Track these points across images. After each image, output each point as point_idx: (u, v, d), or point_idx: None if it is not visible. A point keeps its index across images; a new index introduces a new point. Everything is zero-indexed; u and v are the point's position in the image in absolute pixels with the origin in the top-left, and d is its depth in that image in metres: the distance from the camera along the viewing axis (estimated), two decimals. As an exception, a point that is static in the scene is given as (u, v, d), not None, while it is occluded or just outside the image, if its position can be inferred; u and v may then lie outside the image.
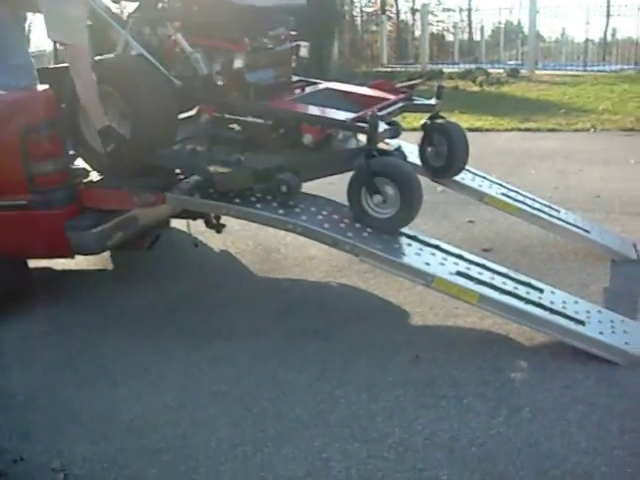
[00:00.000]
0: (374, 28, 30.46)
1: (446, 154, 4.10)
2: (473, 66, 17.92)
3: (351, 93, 4.00)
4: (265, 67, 3.80)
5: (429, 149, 4.19)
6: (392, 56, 24.33)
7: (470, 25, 36.84)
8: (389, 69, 18.44)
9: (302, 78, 4.23)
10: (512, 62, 20.94)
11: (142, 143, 3.56)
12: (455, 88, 13.79)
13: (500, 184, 4.63)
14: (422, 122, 4.18)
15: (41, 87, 3.93)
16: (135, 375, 3.28)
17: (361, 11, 37.63)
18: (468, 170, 4.49)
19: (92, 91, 3.56)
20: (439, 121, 4.12)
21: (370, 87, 4.13)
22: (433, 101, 4.12)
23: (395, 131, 3.72)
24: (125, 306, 4.12)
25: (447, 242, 3.68)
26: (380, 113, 3.50)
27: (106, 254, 4.76)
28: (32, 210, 3.70)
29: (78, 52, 3.55)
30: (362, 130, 3.37)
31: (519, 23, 34.92)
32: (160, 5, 3.75)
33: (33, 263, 4.32)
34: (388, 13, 34.79)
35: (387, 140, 3.80)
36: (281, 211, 3.40)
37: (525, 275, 3.52)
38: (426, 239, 3.54)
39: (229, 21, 3.57)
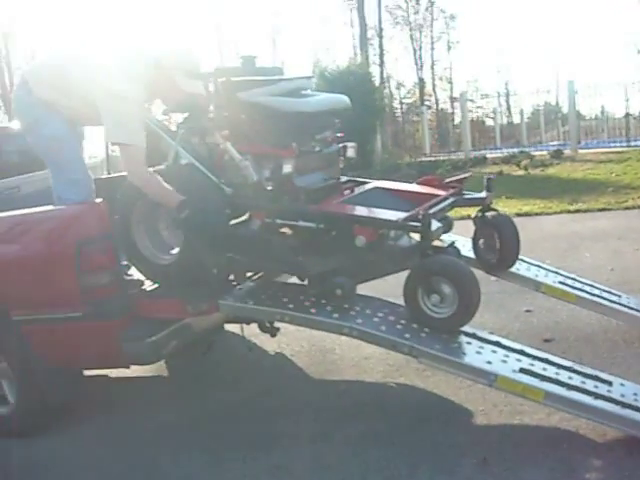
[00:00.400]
0: (415, 118, 30.99)
1: (497, 248, 4.04)
2: (516, 150, 17.92)
3: (401, 191, 3.98)
4: (314, 170, 3.81)
5: (481, 242, 4.14)
6: (434, 145, 24.54)
7: (509, 109, 37.35)
8: (432, 158, 18.58)
9: (350, 178, 4.23)
10: (554, 143, 20.96)
11: (194, 251, 3.57)
12: (500, 173, 13.76)
13: (556, 272, 4.52)
14: (473, 215, 4.14)
15: (95, 201, 4.00)
16: (192, 489, 3.20)
17: (401, 102, 38.53)
18: (522, 259, 4.41)
19: (155, 182, 3.59)
20: (489, 214, 4.06)
21: (419, 183, 4.12)
22: (483, 194, 4.07)
23: (447, 226, 3.70)
24: (180, 414, 4.08)
25: (506, 334, 3.60)
26: (432, 210, 3.48)
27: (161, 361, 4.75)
28: (86, 322, 3.70)
29: (137, 153, 3.61)
30: (415, 229, 3.34)
31: (557, 103, 35.30)
32: (209, 115, 3.81)
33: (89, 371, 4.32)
34: (427, 103, 35.50)
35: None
36: (336, 315, 3.36)
37: (591, 367, 3.40)
38: (486, 336, 3.45)
39: (277, 128, 3.61)
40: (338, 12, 43.74)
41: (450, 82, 39.46)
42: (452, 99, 36.56)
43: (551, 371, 3.20)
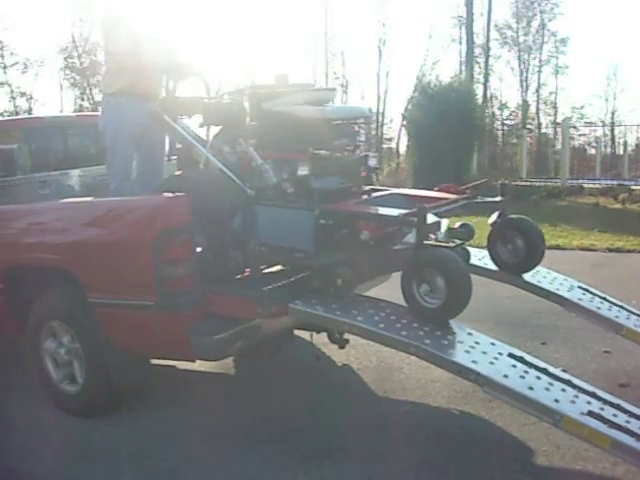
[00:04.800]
0: (515, 141, 30.44)
1: (524, 247, 4.17)
2: (615, 182, 17.30)
3: (415, 196, 4.23)
4: (331, 174, 4.06)
5: (502, 247, 4.26)
6: (532, 170, 24.00)
7: (613, 139, 36.21)
8: (527, 183, 18.13)
9: (374, 187, 4.48)
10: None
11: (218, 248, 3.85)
12: (595, 205, 13.27)
13: (640, 315, 4.32)
14: (490, 221, 4.28)
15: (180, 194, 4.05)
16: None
17: (503, 124, 37.89)
18: (605, 299, 4.25)
19: None
20: (510, 216, 4.22)
21: (438, 190, 4.36)
22: (497, 198, 4.25)
23: (467, 233, 4.01)
24: (239, 415, 4.09)
25: (580, 373, 3.44)
26: (434, 210, 3.75)
27: (229, 358, 4.77)
28: (158, 311, 3.75)
29: None
30: (412, 223, 3.49)
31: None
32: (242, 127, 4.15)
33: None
34: (529, 126, 34.81)
35: (457, 240, 3.96)
36: (404, 332, 3.30)
37: (665, 420, 3.21)
38: (557, 373, 3.30)
39: (295, 134, 3.87)
40: (447, 28, 43.48)
41: (555, 107, 38.39)
42: (555, 124, 35.78)
43: (622, 418, 3.04)
